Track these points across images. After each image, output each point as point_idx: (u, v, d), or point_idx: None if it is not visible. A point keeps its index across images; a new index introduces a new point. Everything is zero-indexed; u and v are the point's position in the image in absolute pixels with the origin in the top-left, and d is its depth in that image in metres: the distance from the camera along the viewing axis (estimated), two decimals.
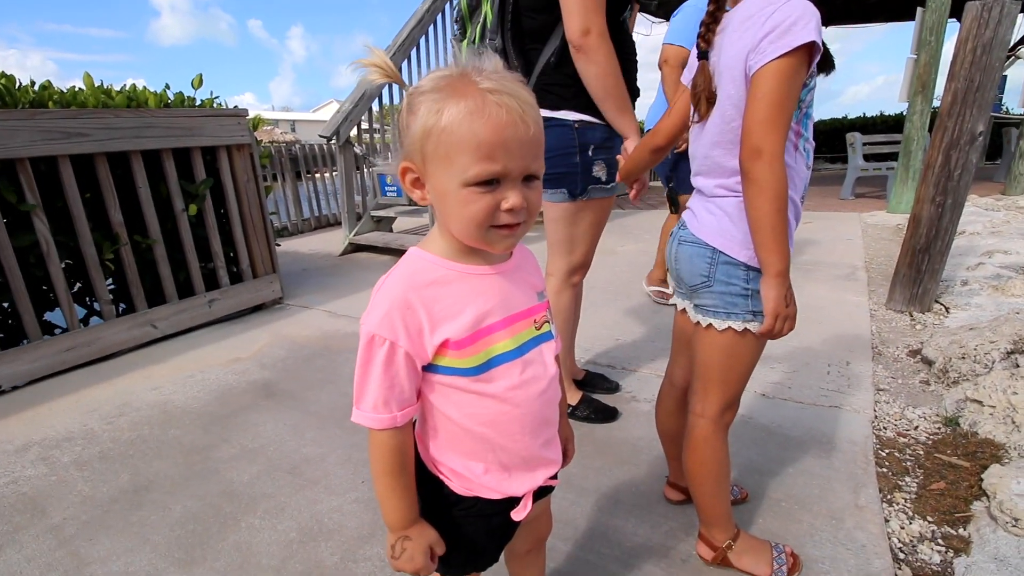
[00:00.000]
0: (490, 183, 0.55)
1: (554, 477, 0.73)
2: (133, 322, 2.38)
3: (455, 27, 1.60)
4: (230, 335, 2.57)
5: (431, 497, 0.69)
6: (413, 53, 4.51)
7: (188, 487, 1.38)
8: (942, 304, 2.40)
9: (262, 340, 2.47)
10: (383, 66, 0.59)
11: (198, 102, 2.81)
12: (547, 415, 0.69)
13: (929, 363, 1.81)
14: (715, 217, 0.93)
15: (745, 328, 0.93)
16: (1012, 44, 9.15)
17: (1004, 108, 9.60)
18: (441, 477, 0.68)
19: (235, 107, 2.84)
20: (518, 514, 0.68)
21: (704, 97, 0.92)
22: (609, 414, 1.63)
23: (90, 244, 2.21)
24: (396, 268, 0.63)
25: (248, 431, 1.64)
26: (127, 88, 2.53)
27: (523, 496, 0.68)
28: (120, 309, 2.50)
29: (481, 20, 1.46)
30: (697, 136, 0.98)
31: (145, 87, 2.62)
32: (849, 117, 13.57)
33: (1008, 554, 1.05)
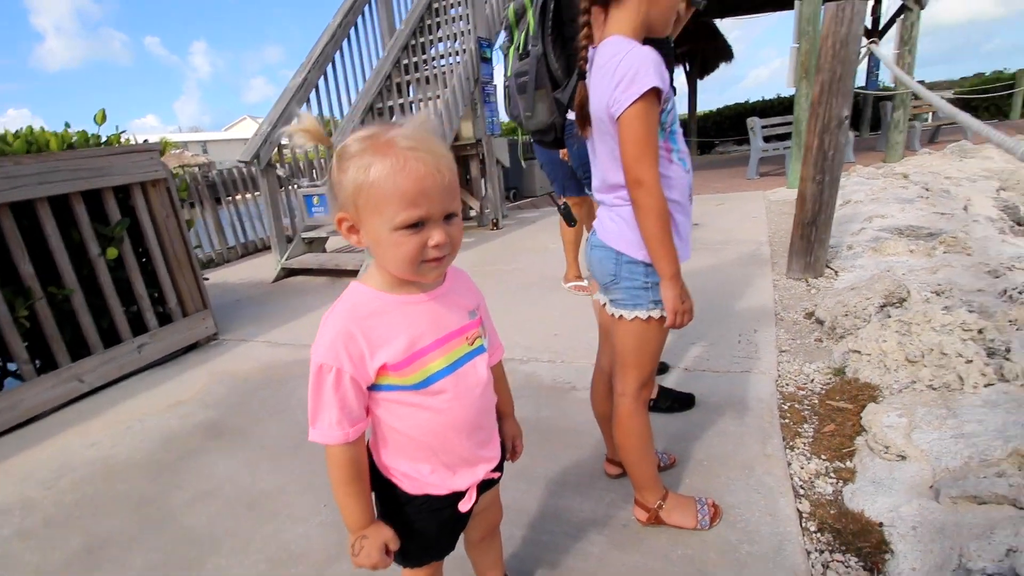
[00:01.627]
0: (416, 226, 0.65)
1: (497, 470, 0.84)
2: (57, 379, 2.26)
3: (504, 35, 1.74)
4: (166, 379, 2.50)
5: (387, 498, 0.78)
6: (329, 69, 4.49)
7: (145, 539, 1.38)
8: (832, 268, 2.72)
9: (201, 380, 2.42)
10: (311, 130, 0.67)
11: (104, 138, 2.70)
12: (481, 421, 0.80)
13: (821, 323, 2.08)
14: (616, 224, 1.08)
15: (649, 316, 1.07)
16: (871, 38, 10.18)
17: (880, 84, 10.70)
18: (393, 480, 0.77)
19: (145, 140, 2.76)
20: (464, 505, 0.79)
21: (583, 118, 1.08)
22: (687, 401, 1.67)
23: (0, 303, 2.09)
24: (338, 302, 0.72)
25: (200, 473, 1.64)
26: (24, 131, 2.40)
27: (467, 490, 0.79)
28: (42, 366, 2.37)
29: (525, 28, 1.60)
30: (592, 155, 1.13)
31: (43, 128, 2.49)
32: (751, 101, 14.60)
33: (882, 476, 1.27)
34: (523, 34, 1.64)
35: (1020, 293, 1.90)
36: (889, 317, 1.88)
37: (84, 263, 2.44)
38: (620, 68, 0.92)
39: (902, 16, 6.82)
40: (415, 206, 0.64)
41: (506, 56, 1.85)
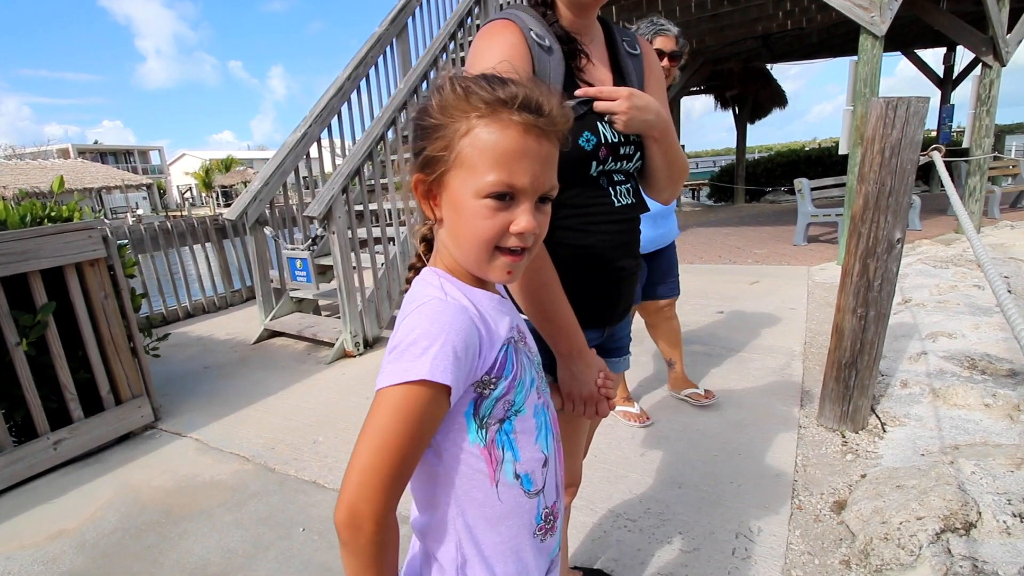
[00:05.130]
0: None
1: None
2: None
3: None
4: (73, 485, 2.20)
5: None
6: (334, 122, 4.28)
7: None
8: (878, 417, 2.14)
9: (103, 496, 2.10)
10: None
11: (50, 209, 2.50)
12: None
13: (852, 533, 1.53)
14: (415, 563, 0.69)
15: None
16: (941, 87, 9.32)
17: (953, 137, 9.73)
18: None
19: (96, 214, 2.55)
20: None
21: None
22: None
23: None
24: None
25: None
26: None
27: None
28: None
29: None
30: None
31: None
32: (807, 148, 13.81)
33: None
34: None
35: None
36: (951, 554, 1.33)
37: (4, 351, 2.21)
38: (401, 328, 0.60)
39: (979, 73, 6.07)
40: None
41: None
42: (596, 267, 0.92)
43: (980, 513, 1.43)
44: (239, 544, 1.74)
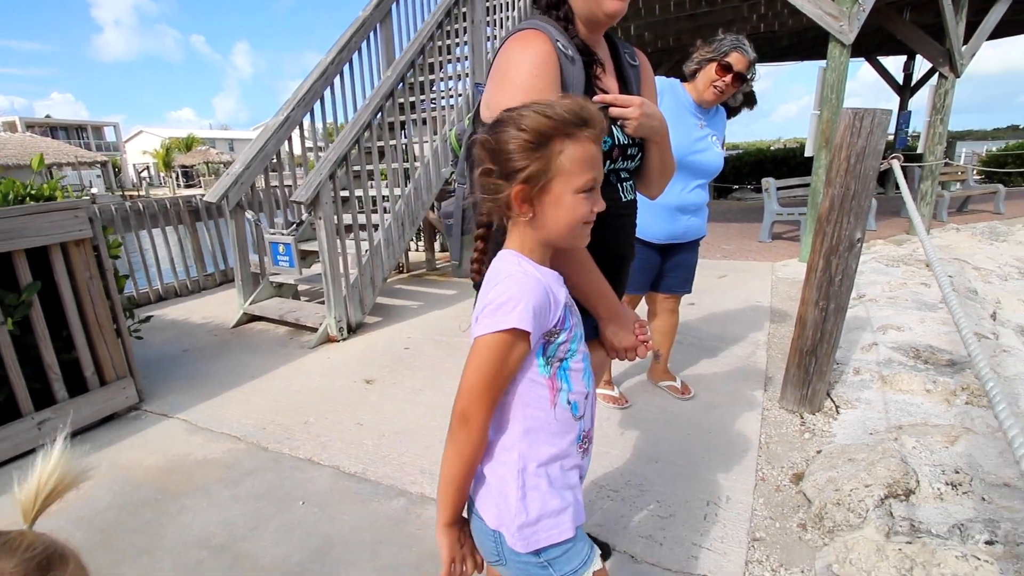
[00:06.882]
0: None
1: None
2: None
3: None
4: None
5: None
6: (316, 106, 4.26)
7: None
8: (833, 400, 2.35)
9: (92, 475, 2.12)
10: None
11: (30, 187, 2.46)
12: None
13: (808, 500, 1.71)
14: (490, 487, 0.85)
15: None
16: (901, 95, 9.80)
17: (909, 142, 10.27)
18: None
19: (82, 195, 2.51)
20: None
21: None
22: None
23: None
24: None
25: None
26: None
27: None
28: None
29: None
30: None
31: None
32: (772, 147, 14.22)
33: None
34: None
35: None
36: (892, 517, 1.52)
37: None
38: (492, 291, 0.82)
39: (935, 83, 6.46)
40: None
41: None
42: (603, 255, 1.04)
43: (919, 482, 1.62)
44: (240, 518, 1.81)
